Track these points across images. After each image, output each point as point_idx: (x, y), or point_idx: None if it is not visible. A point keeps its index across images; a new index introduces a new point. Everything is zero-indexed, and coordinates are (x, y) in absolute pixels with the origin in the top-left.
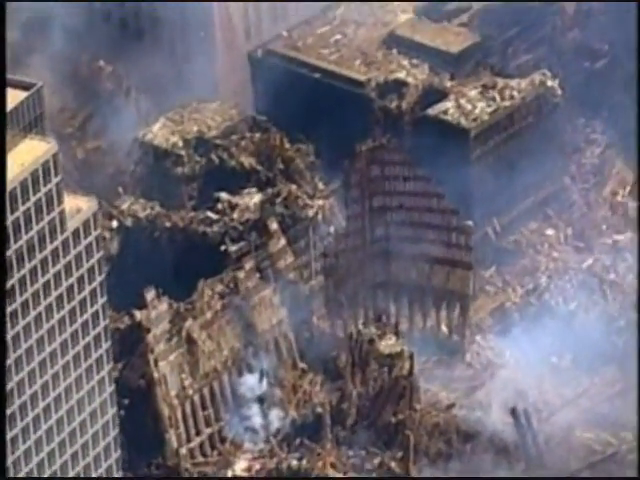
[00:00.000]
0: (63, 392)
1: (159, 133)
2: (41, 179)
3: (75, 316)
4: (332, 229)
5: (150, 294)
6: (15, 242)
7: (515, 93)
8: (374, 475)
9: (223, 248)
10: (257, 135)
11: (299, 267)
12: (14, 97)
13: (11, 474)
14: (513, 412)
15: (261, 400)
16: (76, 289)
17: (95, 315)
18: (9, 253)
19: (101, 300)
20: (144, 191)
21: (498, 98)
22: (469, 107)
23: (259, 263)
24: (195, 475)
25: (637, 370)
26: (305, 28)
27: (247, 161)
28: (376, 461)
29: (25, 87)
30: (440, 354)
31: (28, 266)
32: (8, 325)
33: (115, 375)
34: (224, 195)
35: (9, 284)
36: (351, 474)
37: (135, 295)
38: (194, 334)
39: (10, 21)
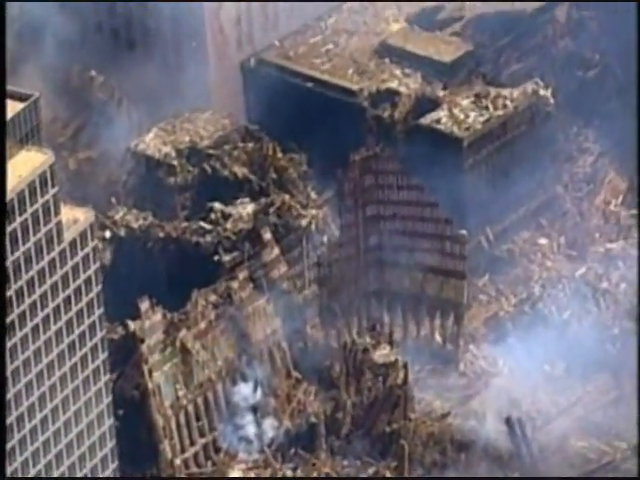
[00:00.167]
0: (60, 403)
1: (151, 143)
2: (38, 190)
3: (72, 327)
4: (325, 238)
5: (144, 304)
6: (12, 253)
7: (508, 102)
8: None
9: (216, 258)
10: (250, 145)
11: (293, 277)
12: (11, 108)
13: None
14: (508, 421)
15: (255, 409)
16: (73, 300)
17: (92, 326)
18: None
19: (98, 311)
20: (137, 201)
21: (491, 107)
22: (462, 116)
23: (253, 273)
24: None
25: (637, 377)
26: (297, 37)
27: (240, 171)
28: (371, 471)
29: (21, 98)
30: (434, 363)
31: (25, 277)
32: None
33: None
34: (217, 205)
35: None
36: None
37: (128, 305)
38: (188, 344)
39: None
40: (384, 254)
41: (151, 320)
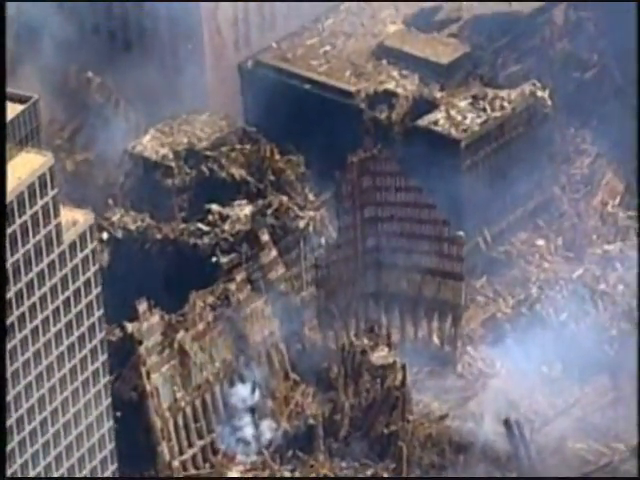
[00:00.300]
0: (60, 405)
1: (149, 145)
2: (38, 192)
3: (72, 329)
4: (323, 240)
5: (142, 306)
6: (12, 255)
7: (505, 104)
8: None
9: (214, 260)
10: (247, 146)
11: (290, 278)
12: (10, 110)
13: None
14: (506, 423)
15: (253, 411)
16: (73, 302)
17: (91, 328)
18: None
19: (97, 313)
20: (134, 203)
21: (488, 109)
22: (459, 118)
23: (250, 274)
24: None
25: (637, 379)
26: (294, 39)
27: (237, 172)
28: (369, 472)
29: (21, 100)
30: (432, 365)
31: (25, 279)
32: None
33: None
34: (215, 207)
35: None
36: None
37: (126, 307)
38: (186, 346)
39: None
40: (382, 256)
41: (149, 322)
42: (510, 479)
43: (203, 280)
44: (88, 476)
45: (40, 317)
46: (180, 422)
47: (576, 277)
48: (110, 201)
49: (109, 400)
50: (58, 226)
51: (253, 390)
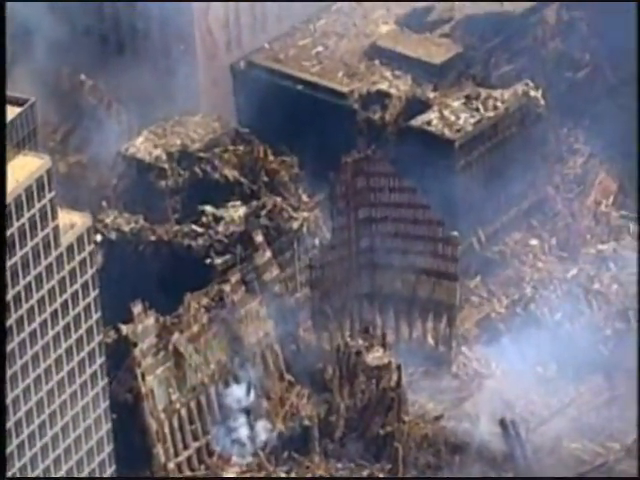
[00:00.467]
0: (58, 408)
1: (142, 146)
2: (35, 195)
3: (70, 332)
4: (317, 241)
5: (137, 308)
6: (10, 258)
7: (498, 103)
8: None
9: (208, 261)
10: (240, 148)
11: (284, 279)
12: (7, 112)
13: None
14: (501, 423)
15: (248, 412)
16: (70, 305)
17: (89, 330)
18: None
19: (95, 315)
20: (128, 205)
21: (481, 109)
22: (453, 118)
23: (245, 276)
24: None
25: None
26: (286, 40)
27: (231, 174)
28: (365, 473)
29: (18, 102)
30: (427, 365)
31: (23, 282)
32: None
33: None
34: (209, 208)
35: None
36: None
37: (121, 309)
38: (181, 348)
39: None
40: (376, 256)
41: (144, 324)
42: (506, 479)
43: (197, 282)
44: (86, 476)
45: (38, 320)
46: (175, 424)
47: (570, 277)
48: (104, 203)
49: (107, 402)
50: (56, 229)
51: (248, 391)
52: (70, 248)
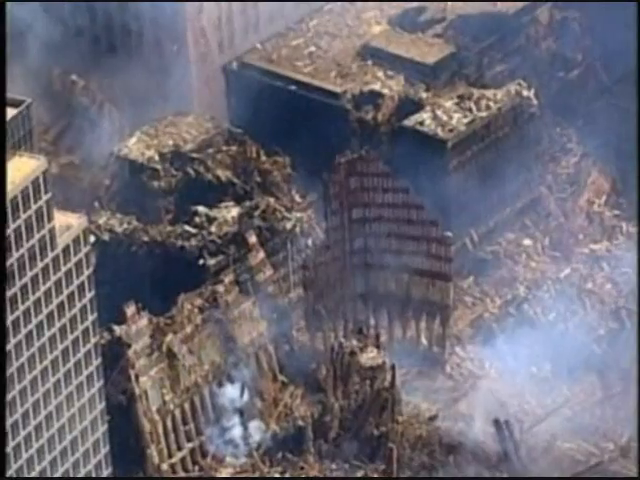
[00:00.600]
0: (55, 410)
1: (135, 147)
2: (31, 196)
3: (66, 333)
4: (310, 241)
5: (130, 309)
6: (6, 260)
7: (491, 103)
8: None
9: (202, 262)
10: (233, 148)
11: (278, 280)
12: None
13: None
14: (496, 423)
15: (241, 412)
16: (67, 306)
17: (86, 332)
18: None
19: (91, 317)
20: (120, 205)
21: (474, 108)
22: (445, 118)
23: (238, 276)
24: None
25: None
26: (279, 40)
27: (224, 174)
28: (359, 474)
29: (14, 104)
30: (420, 366)
31: (19, 284)
32: None
33: None
34: (202, 209)
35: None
36: None
37: (114, 310)
38: (174, 349)
39: None
40: (370, 257)
41: (137, 325)
42: (500, 479)
43: (191, 282)
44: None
45: (34, 321)
46: (169, 425)
47: (563, 277)
48: (96, 204)
49: (103, 404)
50: (52, 230)
51: (242, 392)
52: (66, 249)
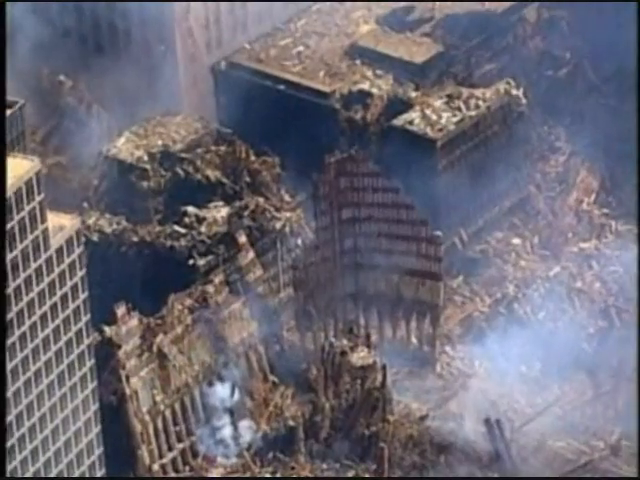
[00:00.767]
0: (48, 411)
1: (123, 147)
2: (24, 197)
3: (59, 334)
4: (300, 241)
5: (120, 310)
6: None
7: (480, 102)
8: None
9: (191, 262)
10: (222, 148)
11: (268, 280)
12: None
13: None
14: (487, 423)
15: (232, 412)
16: (60, 307)
17: (79, 333)
18: None
19: (85, 318)
20: (109, 206)
21: (463, 108)
22: (434, 117)
23: (228, 276)
24: None
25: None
26: (267, 40)
27: (213, 174)
28: (350, 473)
29: (6, 105)
30: (411, 365)
31: (12, 285)
32: None
33: None
34: (191, 209)
35: None
36: None
37: (104, 311)
38: (165, 349)
39: None
40: (360, 256)
41: (127, 325)
42: (491, 479)
43: (181, 283)
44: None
45: (28, 323)
46: (160, 425)
47: (553, 275)
48: (85, 204)
49: (97, 405)
50: (45, 231)
51: (232, 393)
52: (59, 250)
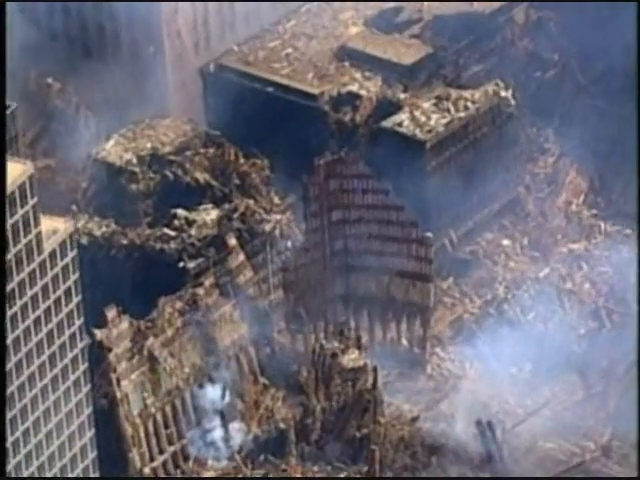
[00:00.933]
0: (42, 415)
1: (112, 150)
2: (18, 201)
3: (53, 338)
4: (289, 243)
5: (111, 313)
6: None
7: (469, 104)
8: None
9: (181, 265)
10: (211, 150)
11: (258, 282)
12: None
13: None
14: (478, 424)
15: (222, 414)
16: (54, 311)
17: (72, 337)
18: None
19: (78, 321)
20: (98, 209)
21: (452, 109)
22: (424, 119)
23: (218, 279)
24: None
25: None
26: (256, 42)
27: (202, 177)
28: (342, 475)
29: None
30: (401, 367)
31: (7, 289)
32: None
33: None
34: (181, 211)
35: None
36: None
37: (94, 314)
38: (155, 352)
39: None
40: (350, 258)
41: (118, 328)
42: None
43: (171, 285)
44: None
45: (21, 327)
46: (150, 428)
47: (542, 277)
48: (74, 207)
49: (90, 409)
50: (38, 235)
51: (223, 395)
52: (53, 254)
